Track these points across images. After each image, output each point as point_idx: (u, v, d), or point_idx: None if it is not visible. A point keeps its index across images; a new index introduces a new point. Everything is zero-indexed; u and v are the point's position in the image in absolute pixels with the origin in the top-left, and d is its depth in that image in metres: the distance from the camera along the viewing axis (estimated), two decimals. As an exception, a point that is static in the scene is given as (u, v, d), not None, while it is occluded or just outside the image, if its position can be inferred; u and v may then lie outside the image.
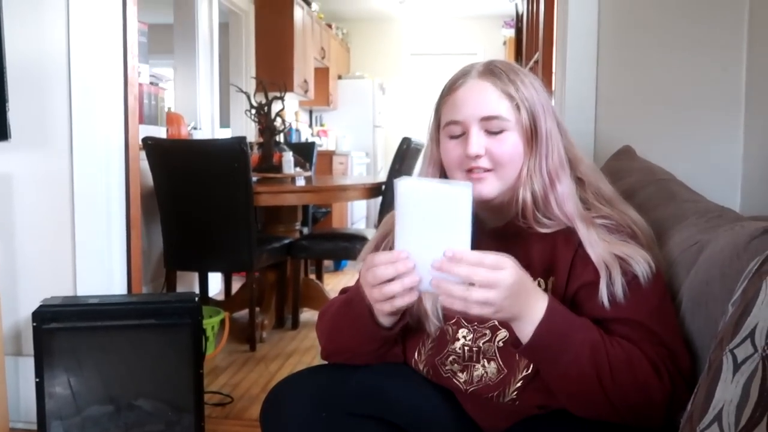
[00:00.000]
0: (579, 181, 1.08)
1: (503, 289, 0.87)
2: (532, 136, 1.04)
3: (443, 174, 1.12)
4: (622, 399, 0.92)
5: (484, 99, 1.04)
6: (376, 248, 1.19)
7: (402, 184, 0.90)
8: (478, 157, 1.03)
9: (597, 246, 0.99)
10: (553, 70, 2.55)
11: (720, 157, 1.85)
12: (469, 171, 1.05)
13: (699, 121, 1.89)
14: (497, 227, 1.11)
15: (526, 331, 0.92)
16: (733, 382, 0.66)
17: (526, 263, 1.06)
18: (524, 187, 1.04)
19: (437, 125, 1.11)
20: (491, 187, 1.05)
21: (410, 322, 1.10)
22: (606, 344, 0.93)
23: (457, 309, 0.88)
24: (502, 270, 0.88)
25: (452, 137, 1.07)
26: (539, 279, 1.05)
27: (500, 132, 1.04)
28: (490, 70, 1.06)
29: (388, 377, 1.11)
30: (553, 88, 2.46)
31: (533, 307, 0.92)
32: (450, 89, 1.09)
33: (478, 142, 1.03)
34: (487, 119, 1.03)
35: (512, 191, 1.06)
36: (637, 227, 1.05)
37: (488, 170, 1.05)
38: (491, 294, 0.87)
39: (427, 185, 0.92)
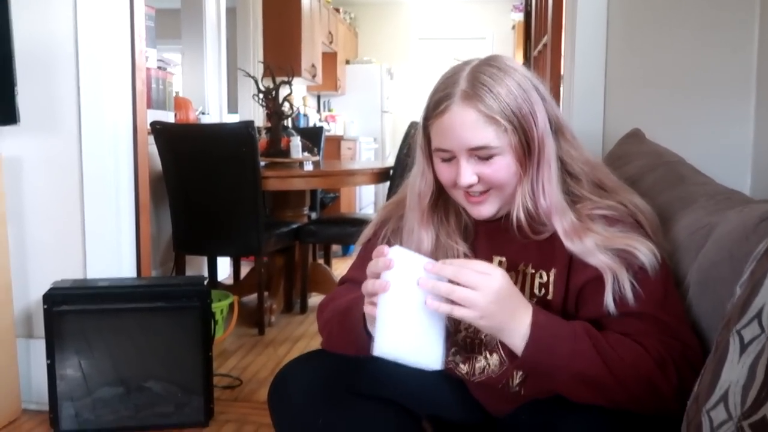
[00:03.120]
0: (573, 178, 1.06)
1: (488, 293, 0.87)
2: (524, 152, 1.01)
3: (437, 190, 1.11)
4: (628, 399, 0.91)
5: (468, 131, 0.99)
6: (375, 235, 1.20)
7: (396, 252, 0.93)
8: (470, 185, 1.03)
9: (595, 253, 0.98)
10: (562, 53, 2.53)
11: (730, 140, 1.84)
12: (466, 193, 1.05)
13: (709, 104, 1.87)
14: (495, 221, 1.10)
15: (515, 345, 0.92)
16: (740, 363, 0.66)
17: (526, 255, 1.06)
18: (518, 207, 1.03)
19: (428, 142, 1.08)
20: (490, 207, 1.06)
21: None
22: (602, 350, 0.91)
23: (442, 311, 0.88)
24: (489, 275, 0.88)
25: (444, 160, 1.05)
26: (541, 271, 1.05)
27: (490, 157, 1.01)
28: (474, 92, 0.99)
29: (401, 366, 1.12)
30: (562, 72, 2.44)
31: (519, 321, 0.91)
32: (435, 111, 1.03)
33: (467, 172, 1.01)
34: (474, 149, 1.01)
35: (512, 203, 1.05)
36: (643, 215, 1.04)
37: (484, 191, 1.04)
38: (475, 294, 0.86)
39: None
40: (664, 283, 0.99)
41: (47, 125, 2.19)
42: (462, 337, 1.09)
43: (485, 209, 1.06)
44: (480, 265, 0.89)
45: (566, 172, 1.06)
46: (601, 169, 1.11)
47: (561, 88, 2.51)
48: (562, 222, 1.01)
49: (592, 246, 0.98)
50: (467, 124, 0.99)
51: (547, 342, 0.91)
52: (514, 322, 0.90)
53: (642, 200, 1.07)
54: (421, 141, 1.10)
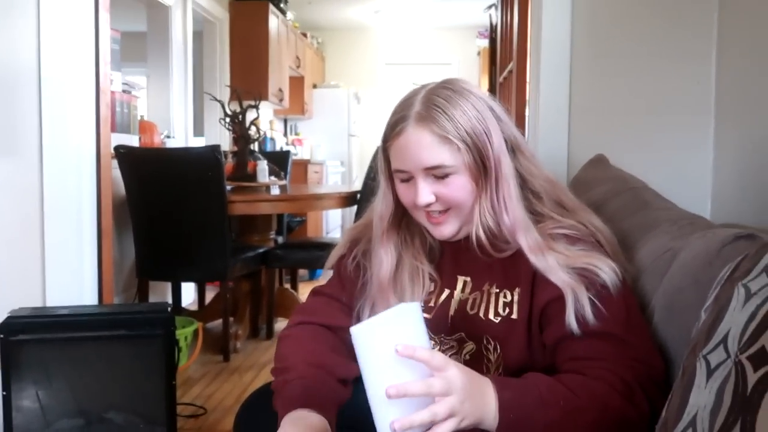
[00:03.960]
0: (535, 195, 1.08)
1: (459, 391, 0.83)
2: (479, 171, 1.03)
3: (399, 211, 1.12)
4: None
5: (423, 151, 1.02)
6: (344, 256, 1.19)
7: (356, 331, 0.86)
8: (428, 204, 1.05)
9: (557, 271, 0.99)
10: (527, 80, 2.57)
11: (691, 166, 1.88)
12: (427, 213, 1.07)
13: (670, 131, 1.91)
14: (459, 241, 1.11)
15: (491, 425, 0.87)
16: (707, 388, 0.67)
17: (490, 274, 1.07)
18: (477, 226, 1.04)
19: (388, 164, 1.10)
20: (450, 227, 1.07)
21: None
22: (570, 405, 0.90)
23: (419, 421, 0.80)
24: (446, 371, 0.83)
25: (403, 181, 1.08)
26: (505, 290, 1.05)
27: (446, 176, 1.03)
28: (428, 114, 1.02)
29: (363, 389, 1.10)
30: (527, 98, 2.48)
31: (488, 400, 0.87)
32: (392, 133, 1.06)
33: (424, 192, 1.04)
34: (430, 168, 1.03)
35: (471, 222, 1.06)
36: (602, 235, 1.05)
37: (444, 211, 1.06)
38: (452, 400, 0.82)
39: (378, 320, 0.87)
40: (626, 301, 1.00)
41: (7, 148, 2.13)
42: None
43: (446, 229, 1.07)
44: (437, 359, 0.84)
45: (528, 190, 1.08)
46: (560, 187, 1.13)
47: (526, 114, 2.55)
48: (526, 238, 1.02)
49: (554, 263, 0.99)
50: (422, 145, 1.02)
51: (518, 418, 0.87)
52: (486, 405, 0.86)
53: (599, 221, 1.09)
54: (381, 163, 1.12)
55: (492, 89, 4.17)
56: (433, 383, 0.81)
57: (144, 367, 2.07)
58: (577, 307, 0.96)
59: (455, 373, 0.83)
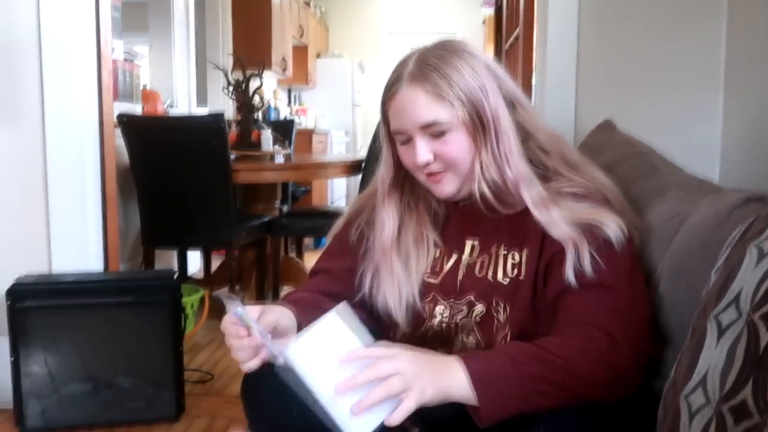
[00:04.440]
0: (542, 149, 1.08)
1: (405, 359, 0.84)
2: (476, 128, 1.03)
3: (400, 175, 1.12)
4: (592, 389, 0.90)
5: (418, 108, 1.03)
6: (347, 225, 1.19)
7: (290, 351, 0.86)
8: (427, 163, 1.04)
9: (560, 225, 0.99)
10: (534, 46, 2.54)
11: (699, 132, 1.86)
12: (427, 174, 1.07)
13: (679, 96, 1.89)
14: (464, 204, 1.11)
15: (466, 395, 0.86)
16: (718, 348, 0.66)
17: (498, 236, 1.07)
18: (479, 181, 1.04)
19: (388, 128, 1.11)
20: (450, 185, 1.07)
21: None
22: (543, 359, 0.90)
23: (396, 419, 0.82)
24: (393, 356, 0.85)
25: (402, 143, 1.08)
26: (513, 251, 1.06)
27: (443, 134, 1.03)
28: (421, 72, 1.03)
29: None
30: (534, 65, 2.45)
31: (452, 370, 0.87)
32: (388, 95, 1.08)
33: (422, 150, 1.04)
34: (426, 126, 1.03)
35: (472, 180, 1.06)
36: (607, 190, 1.05)
37: (443, 171, 1.06)
38: (398, 362, 0.83)
39: (303, 338, 0.88)
40: (630, 258, 1.00)
41: (10, 116, 2.12)
42: (438, 322, 1.09)
43: (446, 187, 1.07)
44: (379, 351, 0.86)
45: (534, 144, 1.08)
46: (564, 142, 1.13)
47: (533, 81, 2.52)
48: (530, 192, 1.02)
49: (557, 217, 1.00)
50: (416, 103, 1.03)
51: (494, 384, 0.87)
52: (450, 377, 0.86)
53: (604, 176, 1.09)
54: (381, 127, 1.13)
55: (497, 57, 4.12)
56: (379, 364, 0.83)
57: (151, 334, 2.08)
58: (577, 260, 0.97)
59: (401, 351, 0.85)
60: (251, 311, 0.94)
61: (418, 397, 0.83)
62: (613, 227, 0.98)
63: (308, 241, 4.55)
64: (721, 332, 0.67)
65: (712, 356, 0.67)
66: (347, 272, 1.16)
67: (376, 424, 0.83)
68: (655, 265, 1.08)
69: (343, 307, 0.91)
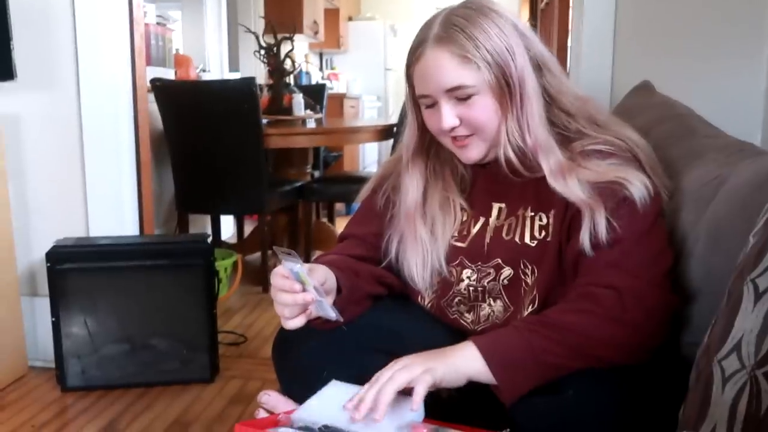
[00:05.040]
0: (566, 113, 1.05)
1: (404, 359, 0.87)
2: (503, 91, 1.00)
3: (425, 139, 1.10)
4: (608, 348, 0.90)
5: (443, 72, 1.00)
6: (374, 191, 1.19)
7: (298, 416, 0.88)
8: (453, 128, 1.02)
9: (576, 193, 0.97)
10: (570, 5, 2.47)
11: (741, 93, 1.80)
12: (453, 138, 1.05)
13: (720, 56, 1.83)
14: (490, 167, 1.09)
15: (478, 368, 0.88)
16: (754, 312, 0.65)
17: (525, 198, 1.05)
18: (505, 146, 1.02)
19: (413, 92, 1.08)
20: (476, 150, 1.05)
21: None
22: (553, 324, 0.91)
23: (387, 394, 0.84)
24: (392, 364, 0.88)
25: (427, 107, 1.06)
26: (540, 213, 1.04)
27: (468, 98, 1.00)
28: (447, 34, 1.00)
29: (400, 316, 1.11)
30: (570, 24, 2.38)
31: (460, 349, 0.89)
32: (413, 58, 1.05)
33: (448, 115, 1.01)
34: (451, 90, 1.01)
35: (498, 145, 1.04)
36: (638, 147, 1.03)
37: (469, 135, 1.04)
38: (396, 363, 0.86)
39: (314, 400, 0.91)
40: (652, 216, 0.98)
41: (45, 81, 2.15)
42: (465, 287, 1.08)
43: (473, 152, 1.05)
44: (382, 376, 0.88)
45: (558, 108, 1.05)
46: (592, 103, 1.09)
47: (569, 41, 2.46)
48: (548, 160, 1.01)
49: (573, 186, 0.98)
50: (441, 67, 1.00)
51: (505, 354, 0.88)
52: (458, 356, 0.89)
53: (636, 134, 1.06)
54: (406, 91, 1.10)
55: (533, 19, 4.03)
56: (378, 375, 0.86)
57: (185, 296, 2.12)
58: (592, 227, 0.95)
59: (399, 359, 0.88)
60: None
61: (428, 378, 0.84)
62: (636, 185, 0.96)
63: (339, 206, 4.56)
64: (758, 296, 0.65)
65: (748, 320, 0.65)
66: (374, 237, 1.16)
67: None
68: (691, 229, 1.05)
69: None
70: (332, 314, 0.95)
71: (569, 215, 1.00)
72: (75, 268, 2.03)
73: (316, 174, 3.98)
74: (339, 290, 1.02)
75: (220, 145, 2.99)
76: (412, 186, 1.11)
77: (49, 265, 2.01)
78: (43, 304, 2.11)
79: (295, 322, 0.95)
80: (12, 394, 2.06)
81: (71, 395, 2.05)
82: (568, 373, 0.88)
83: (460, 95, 1.00)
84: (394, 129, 3.49)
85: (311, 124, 3.50)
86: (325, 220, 4.05)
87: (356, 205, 1.25)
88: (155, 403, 2.01)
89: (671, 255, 0.98)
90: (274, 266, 0.92)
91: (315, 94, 4.25)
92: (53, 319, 2.03)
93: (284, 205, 3.33)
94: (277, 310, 0.96)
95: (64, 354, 2.05)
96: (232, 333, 2.53)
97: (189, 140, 3.03)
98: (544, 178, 1.02)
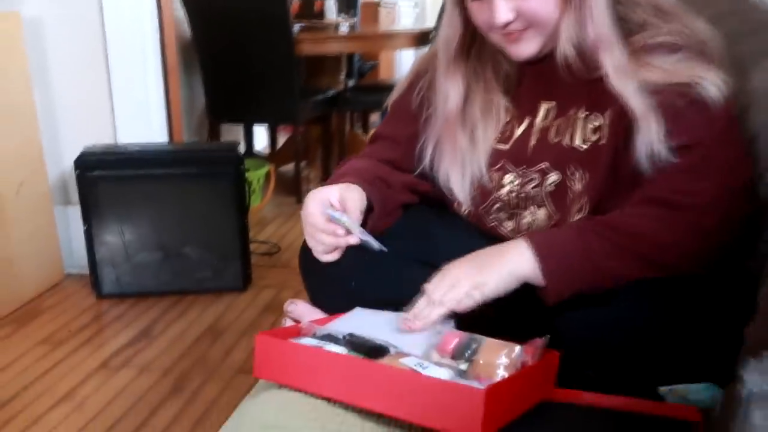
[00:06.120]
0: (632, 2, 0.92)
1: (453, 269, 0.82)
2: None
3: (467, 36, 0.99)
4: (664, 252, 0.82)
5: None
6: (408, 89, 1.09)
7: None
8: (507, 23, 0.90)
9: (637, 98, 0.86)
10: None
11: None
12: (505, 33, 0.92)
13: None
14: (540, 64, 0.97)
15: (529, 271, 0.81)
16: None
17: (577, 98, 0.95)
18: (563, 41, 0.90)
19: None
20: (531, 45, 0.93)
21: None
22: (613, 224, 0.84)
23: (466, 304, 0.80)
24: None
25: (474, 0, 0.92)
26: (595, 113, 0.94)
27: None
28: None
29: (434, 223, 1.04)
30: None
31: (510, 254, 0.83)
32: None
33: (502, 8, 0.88)
34: None
35: (555, 39, 0.92)
36: (708, 40, 0.90)
37: (525, 29, 0.91)
38: (451, 275, 0.82)
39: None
40: (727, 120, 0.88)
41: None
42: (506, 193, 1.00)
43: (527, 48, 0.93)
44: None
45: None
46: None
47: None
48: (609, 58, 0.89)
49: (636, 88, 0.87)
50: None
51: (558, 251, 0.82)
52: (508, 252, 0.83)
53: (705, 25, 0.93)
54: None
55: None
56: (426, 294, 0.82)
57: (216, 205, 2.09)
58: (652, 137, 0.85)
59: (444, 270, 0.84)
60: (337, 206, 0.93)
61: (477, 297, 0.80)
62: (709, 84, 0.85)
63: (374, 117, 4.45)
64: None
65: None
66: (408, 139, 1.07)
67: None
68: (757, 132, 0.95)
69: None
70: (375, 246, 0.91)
71: (628, 120, 0.90)
72: (104, 175, 2.01)
73: (350, 84, 3.87)
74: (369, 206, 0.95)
75: (249, 52, 2.89)
76: (452, 90, 1.00)
77: (78, 172, 1.98)
78: (77, 213, 2.10)
79: (331, 256, 0.93)
80: (49, 300, 2.09)
81: (106, 302, 2.07)
82: (626, 282, 0.80)
83: None
84: (431, 34, 3.32)
85: (344, 30, 3.36)
86: (359, 131, 3.97)
87: (386, 105, 1.16)
88: (189, 311, 2.02)
89: (750, 163, 0.88)
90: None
91: (348, 1, 4.07)
92: (85, 227, 2.02)
93: (317, 115, 3.25)
94: (309, 243, 0.93)
95: (98, 261, 2.06)
96: (266, 243, 2.52)
97: (218, 47, 2.93)
98: (601, 77, 0.91)
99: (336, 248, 0.93)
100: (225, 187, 2.06)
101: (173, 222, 2.08)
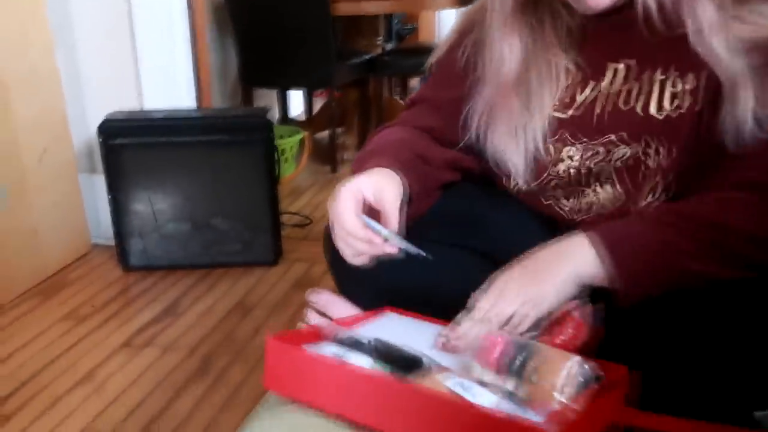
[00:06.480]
0: None
1: (503, 280, 0.70)
2: None
3: None
4: (750, 245, 0.70)
5: None
6: (452, 48, 0.94)
7: None
8: None
9: (726, 63, 0.73)
10: None
11: None
12: None
13: None
14: (612, 19, 0.81)
15: (593, 272, 0.70)
16: None
17: (654, 59, 0.79)
18: None
19: None
20: None
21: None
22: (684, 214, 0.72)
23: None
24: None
25: None
26: (675, 77, 0.78)
27: None
28: None
29: (481, 203, 0.91)
30: None
31: (575, 247, 0.71)
32: None
33: None
34: None
35: None
36: None
37: None
38: (499, 287, 0.71)
39: None
40: None
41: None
42: (565, 168, 0.86)
43: None
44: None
45: None
46: None
47: None
48: (694, 12, 0.74)
49: (725, 47, 0.73)
50: None
51: (624, 244, 0.70)
52: (566, 255, 0.71)
53: None
54: None
55: None
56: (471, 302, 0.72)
57: (245, 174, 1.98)
58: (745, 108, 0.72)
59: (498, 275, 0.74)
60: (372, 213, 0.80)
61: (531, 316, 0.70)
62: None
63: (414, 82, 4.29)
64: None
65: None
66: (453, 103, 0.93)
67: None
68: None
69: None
70: (414, 252, 0.78)
71: (716, 86, 0.75)
72: (128, 143, 1.91)
73: (389, 47, 3.70)
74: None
75: (283, 12, 2.75)
76: (509, 53, 0.85)
77: (101, 139, 1.89)
78: (102, 182, 2.02)
79: (361, 260, 0.79)
80: (75, 271, 2.03)
81: (133, 275, 2.00)
82: (705, 281, 0.67)
83: None
84: (475, -7, 3.14)
85: (382, -11, 3.18)
86: (397, 97, 3.81)
87: (426, 66, 1.01)
88: (217, 285, 1.94)
89: None
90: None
91: (387, -43, 3.88)
92: (110, 196, 1.94)
93: (354, 78, 3.10)
94: (338, 245, 0.80)
95: (124, 232, 1.98)
96: (297, 215, 2.41)
97: (250, 9, 2.80)
98: (684, 34, 0.76)
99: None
100: (254, 155, 1.95)
101: (201, 192, 1.98)
